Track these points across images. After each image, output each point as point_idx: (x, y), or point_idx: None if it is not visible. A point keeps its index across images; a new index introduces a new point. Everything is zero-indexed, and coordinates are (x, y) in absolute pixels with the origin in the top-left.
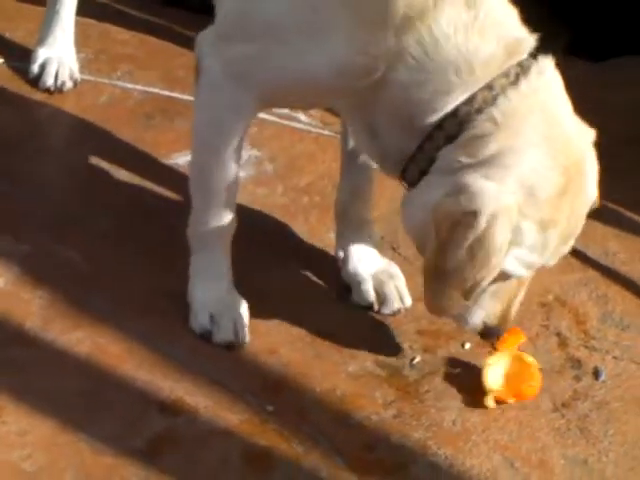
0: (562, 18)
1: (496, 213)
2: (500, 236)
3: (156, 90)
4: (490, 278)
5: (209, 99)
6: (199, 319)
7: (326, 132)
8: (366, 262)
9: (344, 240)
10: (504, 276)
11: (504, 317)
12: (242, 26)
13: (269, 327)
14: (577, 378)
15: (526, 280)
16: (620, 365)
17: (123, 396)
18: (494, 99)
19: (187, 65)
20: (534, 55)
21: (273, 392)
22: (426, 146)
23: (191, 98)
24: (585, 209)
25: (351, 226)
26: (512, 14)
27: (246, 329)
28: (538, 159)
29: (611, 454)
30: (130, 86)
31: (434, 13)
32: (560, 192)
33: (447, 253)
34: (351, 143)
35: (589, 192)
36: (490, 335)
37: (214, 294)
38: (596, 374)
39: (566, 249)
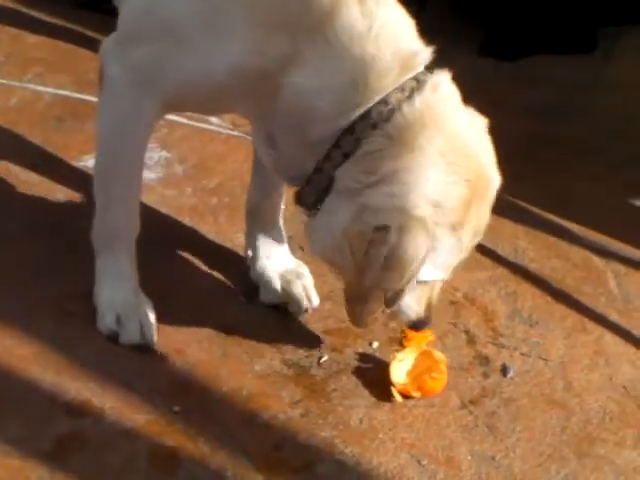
0: (474, 18)
1: (404, 225)
2: (412, 245)
3: (67, 93)
4: (410, 287)
5: (112, 105)
6: (106, 321)
7: (236, 133)
8: (274, 262)
9: (253, 239)
10: (426, 281)
11: (429, 306)
12: (142, 26)
13: (176, 327)
14: (485, 375)
15: None
16: (528, 362)
17: (30, 398)
18: (389, 114)
19: (98, 68)
20: (430, 68)
21: (180, 392)
22: (324, 166)
23: None
24: (492, 200)
25: (261, 226)
26: (408, 25)
27: (153, 330)
28: (438, 175)
29: (518, 450)
30: (41, 89)
31: (330, 21)
32: (466, 201)
33: (365, 272)
34: None
35: (493, 185)
36: (423, 326)
37: (120, 296)
38: (504, 371)
39: (477, 240)
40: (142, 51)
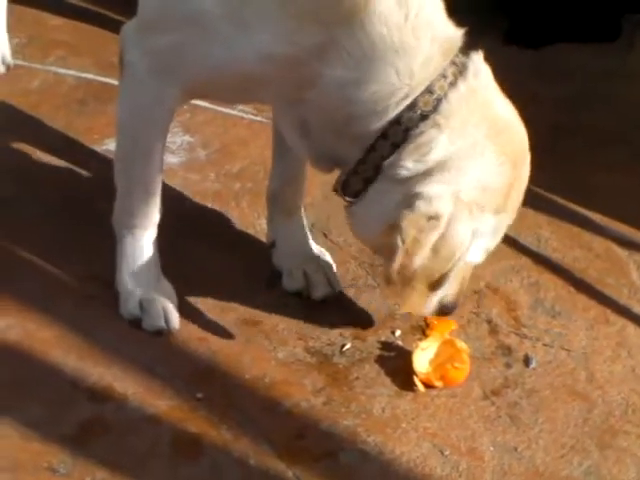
0: (498, 6)
1: (456, 213)
2: (461, 233)
3: (89, 76)
4: (456, 270)
5: (132, 92)
6: (128, 306)
7: (259, 118)
8: (297, 248)
9: (275, 226)
10: (467, 263)
11: (460, 293)
12: (165, 14)
13: (199, 313)
14: (507, 365)
15: None
16: (550, 352)
17: (52, 382)
18: (436, 103)
19: (118, 53)
20: (465, 51)
21: (202, 379)
22: (370, 157)
23: None
24: (527, 180)
25: (282, 212)
26: (439, 6)
27: (176, 315)
28: (487, 159)
29: (541, 441)
30: (63, 72)
31: (365, 11)
32: (510, 183)
33: (413, 257)
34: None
35: (528, 165)
36: (447, 312)
37: (142, 281)
38: (526, 361)
39: (511, 221)
40: (164, 39)
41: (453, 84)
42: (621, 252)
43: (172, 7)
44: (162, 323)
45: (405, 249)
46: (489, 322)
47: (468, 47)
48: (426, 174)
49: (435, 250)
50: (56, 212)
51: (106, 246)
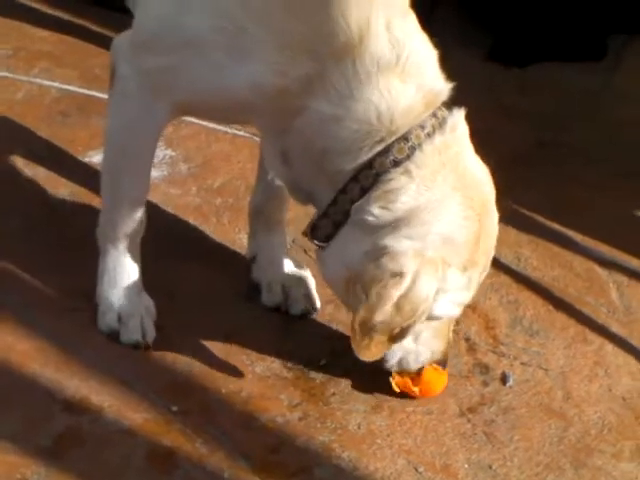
0: (483, 24)
1: (420, 270)
2: (425, 289)
3: (73, 88)
4: (418, 324)
5: (123, 107)
6: (107, 319)
7: (242, 133)
8: (277, 263)
9: (256, 241)
10: (438, 318)
11: (447, 347)
12: (162, 36)
13: (177, 327)
14: (484, 383)
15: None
16: (528, 371)
17: (28, 394)
18: (410, 151)
19: (104, 64)
20: (448, 106)
21: (179, 393)
22: (340, 199)
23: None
24: (496, 234)
25: (264, 227)
26: (431, 55)
27: (153, 329)
28: (454, 212)
29: (516, 459)
30: (47, 83)
31: (359, 48)
32: (477, 236)
33: (375, 310)
34: None
35: (496, 219)
36: (443, 364)
37: (122, 294)
38: (504, 380)
39: (484, 275)
40: (158, 60)
41: (429, 135)
42: (601, 272)
43: (170, 31)
44: (140, 337)
45: (367, 304)
46: (467, 340)
47: (448, 68)
48: (393, 226)
49: (398, 306)
50: (38, 224)
51: (87, 259)
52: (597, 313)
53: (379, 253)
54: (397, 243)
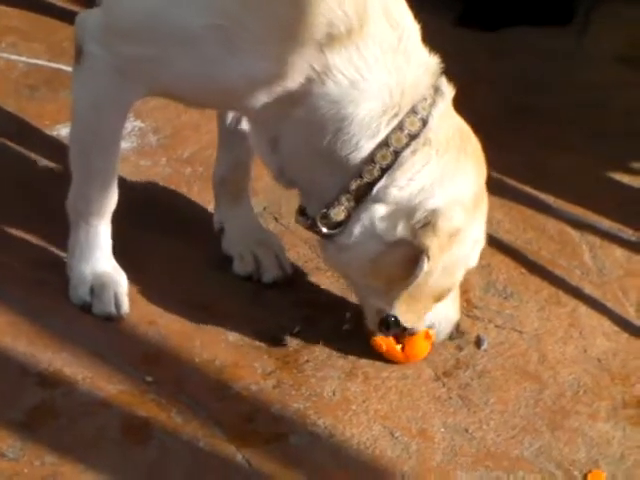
0: None
1: (459, 229)
2: (468, 243)
3: (41, 62)
4: (459, 282)
5: (91, 83)
6: (79, 291)
7: None
8: (246, 233)
9: (223, 211)
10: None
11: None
12: (146, 27)
13: (149, 298)
14: (459, 347)
15: None
16: (502, 334)
17: (1, 368)
18: (422, 123)
19: (72, 37)
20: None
21: (152, 363)
22: (354, 185)
23: None
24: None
25: (230, 197)
26: (417, 31)
27: (126, 301)
28: (469, 168)
29: (492, 422)
30: (14, 57)
31: (360, 34)
32: (484, 187)
33: (434, 271)
34: (229, 116)
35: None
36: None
37: (94, 267)
38: (478, 343)
39: None
40: (138, 49)
41: (432, 105)
42: (574, 233)
43: (155, 23)
44: (112, 308)
45: (426, 265)
46: None
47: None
48: (427, 191)
49: (453, 262)
50: (7, 197)
51: (57, 232)
52: (570, 275)
53: (429, 217)
54: (442, 203)
